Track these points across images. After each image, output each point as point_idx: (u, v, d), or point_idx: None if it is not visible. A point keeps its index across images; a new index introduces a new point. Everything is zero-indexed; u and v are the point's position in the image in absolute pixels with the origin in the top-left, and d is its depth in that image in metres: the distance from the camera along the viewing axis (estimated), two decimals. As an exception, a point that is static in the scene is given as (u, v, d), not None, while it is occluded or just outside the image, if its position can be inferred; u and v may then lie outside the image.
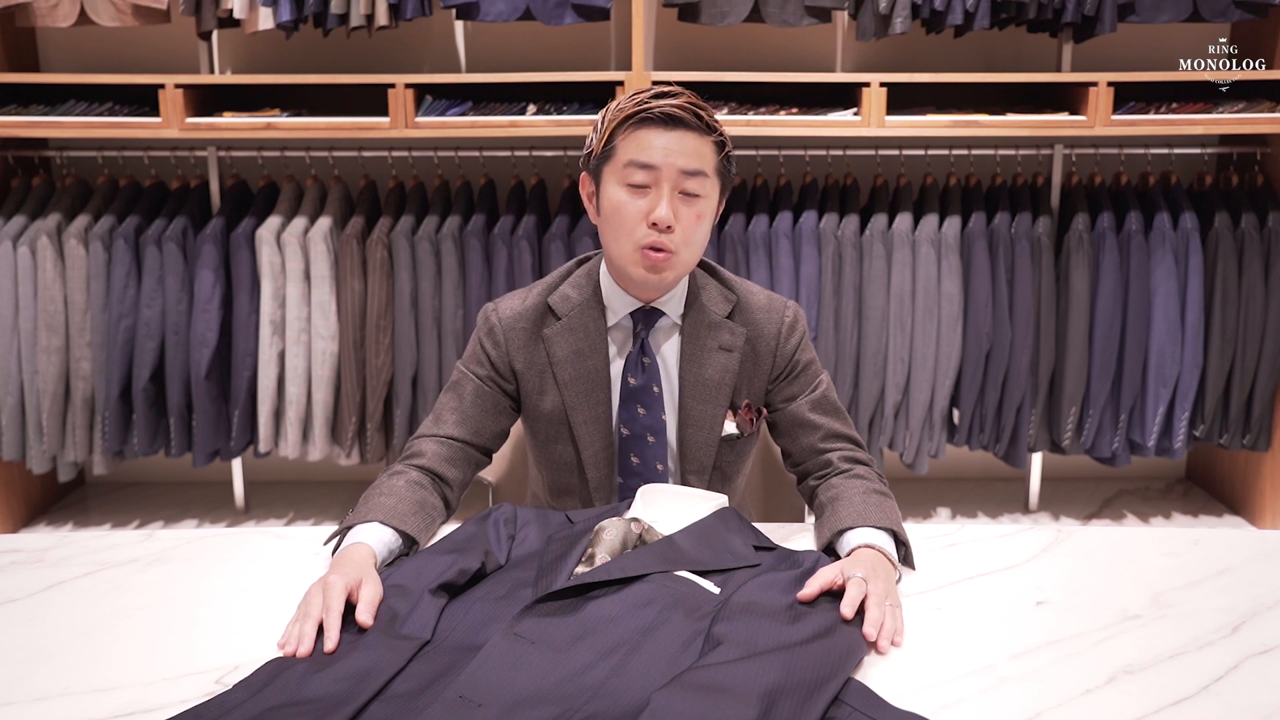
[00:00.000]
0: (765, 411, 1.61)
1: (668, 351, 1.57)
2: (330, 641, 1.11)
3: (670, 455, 1.60)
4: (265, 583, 1.34)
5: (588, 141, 1.51)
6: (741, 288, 1.60)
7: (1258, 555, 1.41)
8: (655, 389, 1.55)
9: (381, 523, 1.35)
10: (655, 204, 1.43)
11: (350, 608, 1.17)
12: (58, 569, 1.38)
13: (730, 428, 1.58)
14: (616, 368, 1.57)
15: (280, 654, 1.11)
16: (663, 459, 1.58)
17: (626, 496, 1.57)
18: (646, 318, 1.55)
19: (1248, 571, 1.37)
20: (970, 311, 2.99)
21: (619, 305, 1.55)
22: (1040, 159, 3.19)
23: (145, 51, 3.23)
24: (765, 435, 1.90)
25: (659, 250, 1.45)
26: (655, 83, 1.46)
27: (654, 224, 1.43)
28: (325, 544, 1.41)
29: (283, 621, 1.20)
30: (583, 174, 1.53)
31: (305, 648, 1.11)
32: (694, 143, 1.44)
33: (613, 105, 1.48)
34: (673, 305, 1.55)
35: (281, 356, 3.03)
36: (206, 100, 2.98)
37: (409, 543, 1.37)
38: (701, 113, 1.45)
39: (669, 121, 1.43)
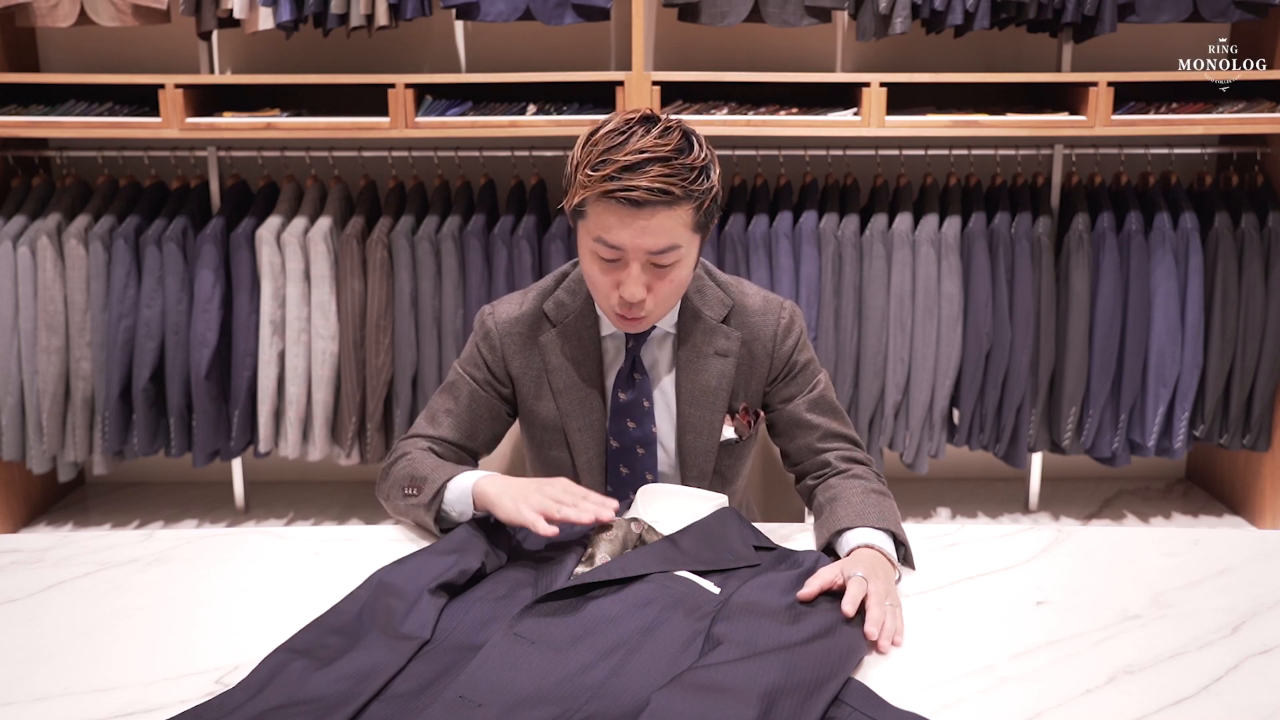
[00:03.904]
0: (762, 414, 1.61)
1: (663, 358, 1.57)
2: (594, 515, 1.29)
3: (668, 463, 1.59)
4: (265, 583, 1.34)
5: (564, 176, 1.42)
6: (737, 291, 1.58)
7: (1258, 555, 1.41)
8: (645, 403, 1.55)
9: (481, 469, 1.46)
10: (624, 280, 1.38)
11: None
12: (58, 569, 1.38)
13: (729, 433, 1.57)
14: (611, 376, 1.56)
15: (277, 647, 1.11)
16: (652, 469, 1.58)
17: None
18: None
19: (1248, 571, 1.37)
20: (970, 311, 2.99)
21: None
22: (1040, 159, 3.19)
23: (145, 51, 3.23)
24: (765, 435, 1.90)
25: (633, 318, 1.43)
26: (630, 122, 1.36)
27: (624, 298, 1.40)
28: (425, 505, 1.42)
29: (283, 622, 1.19)
30: (563, 207, 1.45)
31: (588, 516, 1.28)
32: (664, 221, 1.34)
33: (583, 155, 1.36)
34: (665, 316, 1.53)
35: (281, 356, 3.03)
36: (206, 100, 2.98)
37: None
38: (673, 187, 1.32)
39: (636, 205, 1.32)
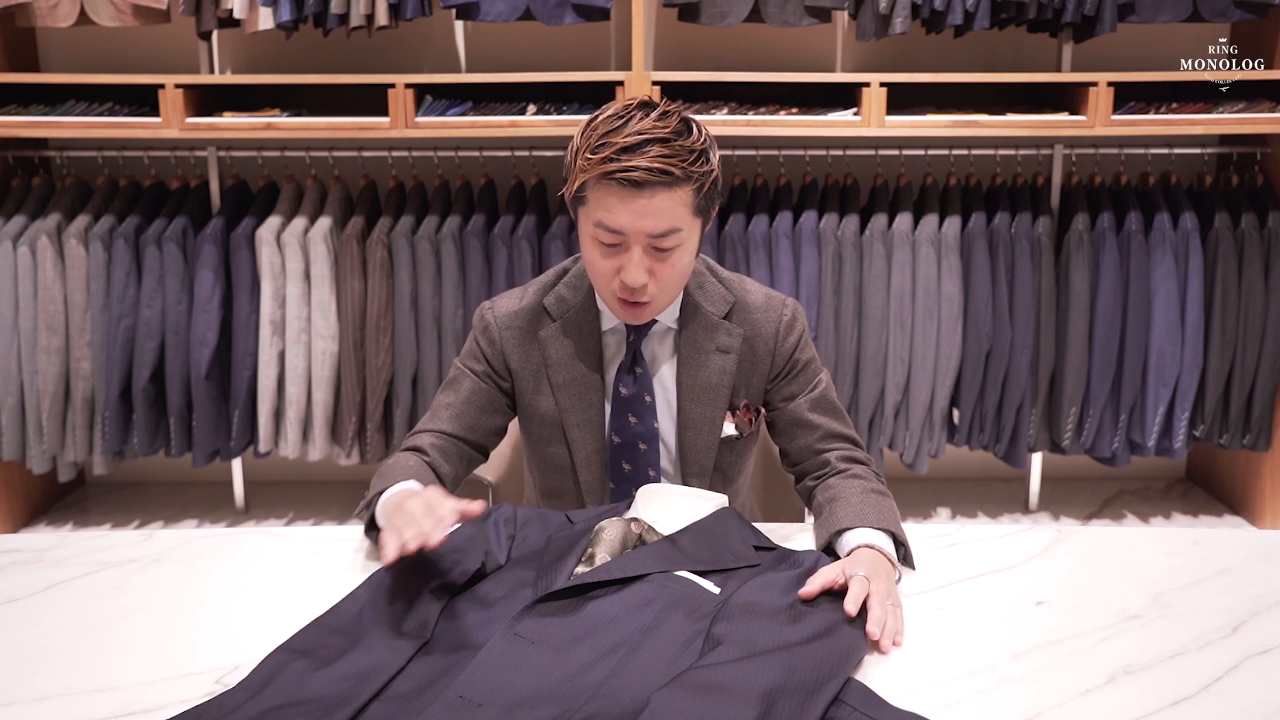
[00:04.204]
0: (764, 411, 1.60)
1: (664, 354, 1.56)
2: (438, 538, 1.15)
3: (669, 459, 1.59)
4: (265, 583, 1.34)
5: (565, 164, 1.43)
6: (739, 287, 1.58)
7: (1258, 555, 1.41)
8: (647, 398, 1.54)
9: (412, 479, 1.37)
10: (625, 264, 1.38)
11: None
12: (58, 569, 1.38)
13: (729, 429, 1.57)
14: (611, 372, 1.56)
15: (277, 647, 1.11)
16: (655, 465, 1.57)
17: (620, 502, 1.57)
18: (640, 325, 1.54)
19: (1248, 571, 1.37)
20: (970, 311, 2.99)
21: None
22: (1040, 159, 3.19)
23: (145, 51, 3.23)
24: (765, 435, 1.90)
25: (635, 303, 1.43)
26: (629, 108, 1.36)
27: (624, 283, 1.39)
28: (357, 515, 1.42)
29: (283, 622, 1.19)
30: (564, 195, 1.45)
31: (412, 544, 1.13)
32: (664, 202, 1.34)
33: (583, 140, 1.37)
34: (667, 311, 1.53)
35: (281, 356, 3.03)
36: (206, 100, 2.98)
37: None
38: (673, 168, 1.32)
39: (636, 185, 1.33)
